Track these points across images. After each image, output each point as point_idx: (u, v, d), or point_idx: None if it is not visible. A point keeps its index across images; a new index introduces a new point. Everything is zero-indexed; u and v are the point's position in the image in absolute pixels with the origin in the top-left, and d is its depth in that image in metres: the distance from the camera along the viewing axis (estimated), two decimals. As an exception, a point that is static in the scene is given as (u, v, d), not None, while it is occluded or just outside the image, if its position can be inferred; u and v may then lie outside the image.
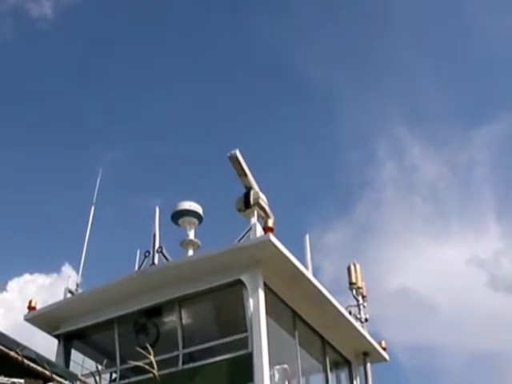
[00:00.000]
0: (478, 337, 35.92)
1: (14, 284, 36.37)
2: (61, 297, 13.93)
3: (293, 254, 12.44)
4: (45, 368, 7.96)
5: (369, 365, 15.32)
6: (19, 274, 36.24)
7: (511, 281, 40.89)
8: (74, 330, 13.57)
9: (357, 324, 15.00)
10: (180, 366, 12.15)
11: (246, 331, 11.78)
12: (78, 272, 14.22)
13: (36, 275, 37.96)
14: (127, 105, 41.38)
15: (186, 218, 14.25)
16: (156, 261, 13.26)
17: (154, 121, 41.35)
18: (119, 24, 42.19)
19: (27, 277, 37.14)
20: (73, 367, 13.32)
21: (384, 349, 15.67)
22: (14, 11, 40.82)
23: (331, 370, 14.38)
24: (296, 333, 13.09)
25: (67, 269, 27.26)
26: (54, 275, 37.79)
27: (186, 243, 14.19)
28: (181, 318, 12.55)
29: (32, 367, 7.77)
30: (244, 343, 11.71)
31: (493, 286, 44.47)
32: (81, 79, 41.23)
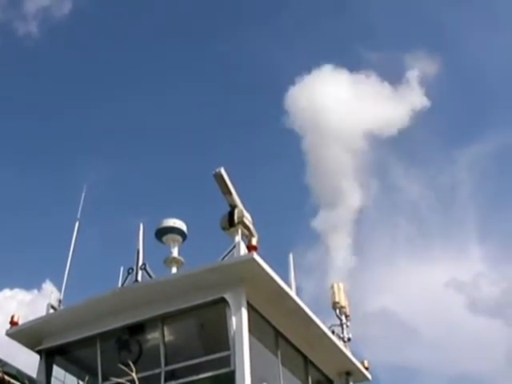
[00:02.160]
0: (458, 358, 36.05)
1: (-7, 299, 35.99)
2: (41, 313, 13.83)
3: (276, 273, 12.48)
4: (26, 384, 7.94)
5: (351, 384, 15.35)
6: (-1, 288, 35.86)
7: (490, 303, 41.14)
8: (56, 345, 13.48)
9: (340, 343, 15.02)
10: (162, 384, 12.12)
11: (228, 349, 11.77)
12: (59, 289, 14.15)
13: (16, 291, 37.66)
14: (112, 122, 41.45)
15: (170, 236, 14.22)
16: (139, 278, 13.23)
17: (139, 139, 41.42)
18: (104, 41, 42.41)
19: (7, 292, 36.83)
20: (54, 383, 13.26)
21: (366, 368, 15.70)
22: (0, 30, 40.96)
23: (313, 389, 14.37)
24: (279, 351, 13.09)
25: (48, 286, 27.04)
26: (35, 292, 37.49)
27: (169, 260, 14.16)
28: (163, 336, 12.53)
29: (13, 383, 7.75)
30: (226, 361, 11.70)
31: (472, 308, 44.63)
32: (66, 97, 41.25)
